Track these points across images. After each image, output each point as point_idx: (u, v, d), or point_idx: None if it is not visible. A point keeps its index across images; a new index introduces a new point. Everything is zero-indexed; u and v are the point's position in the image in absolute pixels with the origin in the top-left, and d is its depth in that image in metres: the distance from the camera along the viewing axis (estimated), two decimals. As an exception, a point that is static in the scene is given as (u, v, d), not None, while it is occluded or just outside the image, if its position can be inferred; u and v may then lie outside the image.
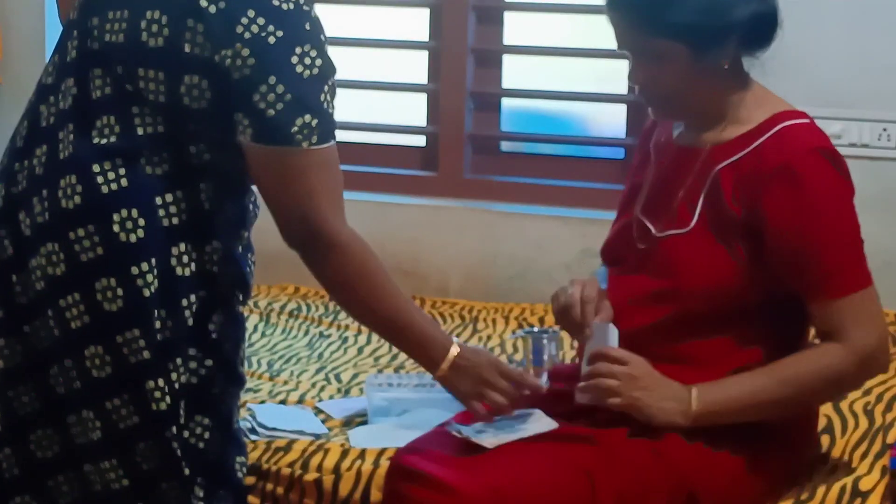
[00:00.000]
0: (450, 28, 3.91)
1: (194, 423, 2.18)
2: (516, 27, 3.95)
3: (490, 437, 2.16)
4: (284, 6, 2.07)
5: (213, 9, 2.05)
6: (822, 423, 2.50)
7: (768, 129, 2.21)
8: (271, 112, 2.06)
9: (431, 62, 3.96)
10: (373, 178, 3.99)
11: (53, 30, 4.16)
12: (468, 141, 3.97)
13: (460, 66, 3.91)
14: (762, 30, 2.21)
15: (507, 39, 3.95)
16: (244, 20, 2.04)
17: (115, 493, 2.16)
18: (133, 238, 2.08)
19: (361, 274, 2.15)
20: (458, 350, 2.22)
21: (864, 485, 2.24)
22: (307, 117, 2.07)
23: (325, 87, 2.09)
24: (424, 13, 3.98)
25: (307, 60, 2.07)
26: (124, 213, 2.08)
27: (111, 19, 2.12)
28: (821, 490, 2.24)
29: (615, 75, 3.80)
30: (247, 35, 2.04)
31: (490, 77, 3.97)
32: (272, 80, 2.05)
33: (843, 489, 2.23)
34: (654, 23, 2.16)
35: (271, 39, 2.05)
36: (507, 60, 3.97)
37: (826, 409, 2.59)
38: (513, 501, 2.07)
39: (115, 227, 2.08)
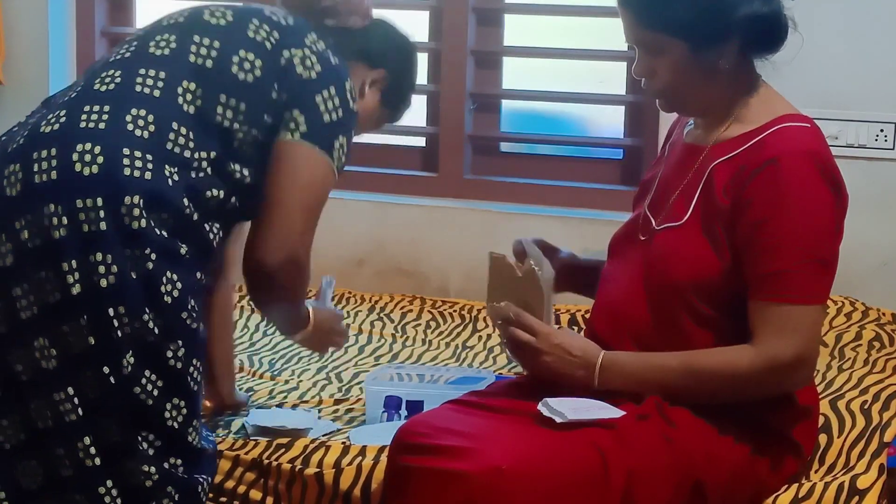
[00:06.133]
0: (450, 30, 3.92)
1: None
2: (516, 29, 3.96)
3: (568, 415, 2.17)
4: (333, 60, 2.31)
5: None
6: (819, 421, 2.50)
7: (768, 129, 2.23)
8: (328, 118, 2.24)
9: (432, 64, 3.97)
10: (373, 178, 4.00)
11: (56, 31, 4.17)
12: (468, 142, 3.98)
13: (460, 68, 3.92)
14: (764, 32, 2.23)
15: (507, 41, 3.96)
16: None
17: None
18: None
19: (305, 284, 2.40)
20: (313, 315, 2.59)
21: (862, 483, 2.25)
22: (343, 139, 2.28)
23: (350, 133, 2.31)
24: (424, 15, 4.00)
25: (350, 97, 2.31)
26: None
27: None
28: (818, 488, 2.24)
29: (614, 77, 3.82)
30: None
31: (490, 78, 3.98)
32: (332, 89, 2.26)
33: (840, 487, 2.24)
34: (656, 18, 2.22)
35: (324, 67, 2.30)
36: (507, 62, 3.98)
37: (824, 407, 2.60)
38: (520, 476, 2.06)
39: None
